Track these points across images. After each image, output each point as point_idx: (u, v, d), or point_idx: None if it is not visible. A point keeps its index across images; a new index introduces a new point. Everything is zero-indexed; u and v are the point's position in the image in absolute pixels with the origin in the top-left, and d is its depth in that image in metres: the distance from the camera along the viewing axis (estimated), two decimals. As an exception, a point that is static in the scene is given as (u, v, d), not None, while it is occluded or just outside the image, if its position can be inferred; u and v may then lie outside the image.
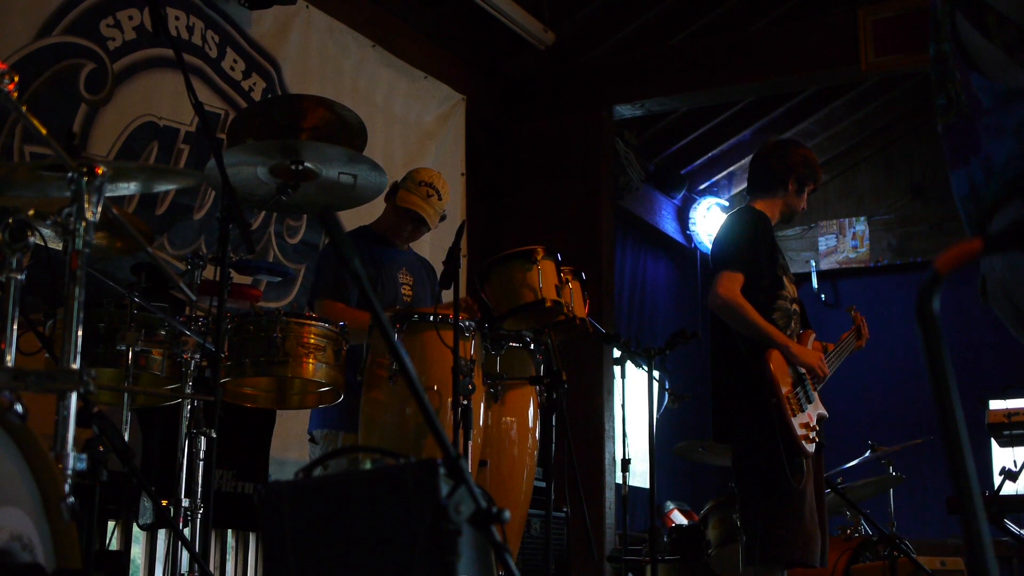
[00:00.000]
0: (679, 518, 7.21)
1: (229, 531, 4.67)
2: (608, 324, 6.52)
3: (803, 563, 3.59)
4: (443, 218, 4.06)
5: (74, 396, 1.88)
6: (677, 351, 4.48)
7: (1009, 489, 4.33)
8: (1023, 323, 1.62)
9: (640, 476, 6.84)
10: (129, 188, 2.64)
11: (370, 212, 4.08)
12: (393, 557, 1.56)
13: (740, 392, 3.70)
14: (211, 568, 3.47)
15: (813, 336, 3.93)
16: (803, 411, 3.67)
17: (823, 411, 3.81)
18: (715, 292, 3.73)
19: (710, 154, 8.83)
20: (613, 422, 6.61)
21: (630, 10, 6.84)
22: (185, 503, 3.06)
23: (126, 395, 3.14)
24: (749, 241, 3.79)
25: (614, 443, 6.58)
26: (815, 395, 3.79)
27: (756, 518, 3.60)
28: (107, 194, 2.00)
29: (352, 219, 4.44)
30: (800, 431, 3.60)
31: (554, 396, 3.59)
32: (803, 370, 3.75)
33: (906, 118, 8.88)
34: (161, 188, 3.70)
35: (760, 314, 3.71)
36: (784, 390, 3.62)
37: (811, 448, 3.62)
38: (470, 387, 3.32)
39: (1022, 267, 1.55)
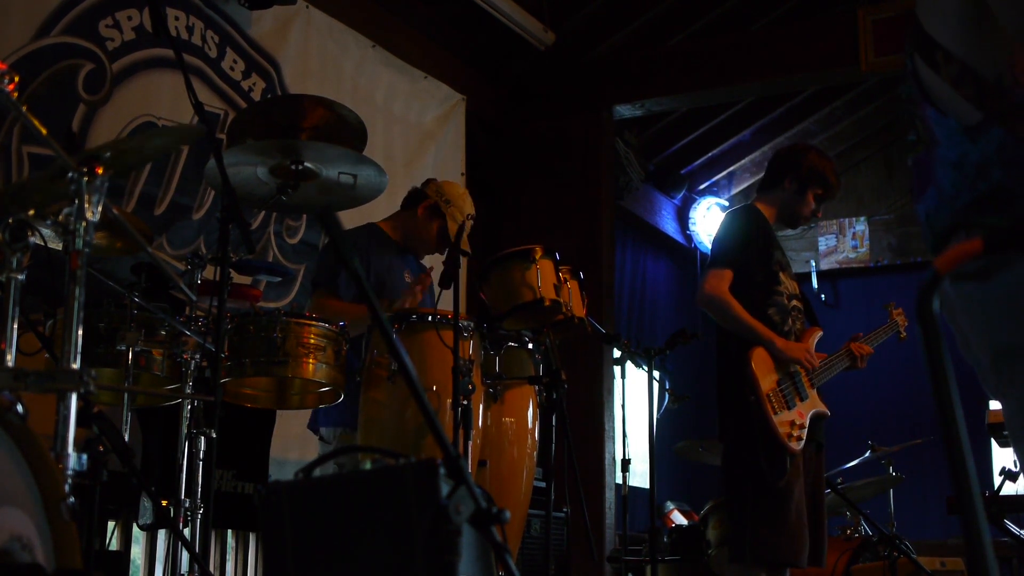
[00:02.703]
0: (679, 518, 7.22)
1: (229, 531, 4.67)
2: (608, 324, 6.51)
3: (789, 563, 3.59)
4: None
5: (74, 396, 1.88)
6: (677, 351, 4.49)
7: (1009, 489, 4.33)
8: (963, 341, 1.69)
9: (640, 476, 6.85)
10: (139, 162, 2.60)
11: (369, 212, 4.08)
12: (393, 557, 1.56)
13: (729, 390, 3.72)
14: (211, 568, 3.47)
15: (819, 334, 3.91)
16: (789, 409, 3.66)
17: (821, 409, 3.79)
18: (702, 289, 3.76)
19: (710, 154, 8.83)
20: (613, 422, 6.61)
21: (630, 10, 6.83)
22: (185, 503, 3.06)
23: (126, 395, 3.14)
24: (740, 239, 3.80)
25: (614, 443, 6.57)
26: (811, 392, 3.78)
27: (743, 517, 3.61)
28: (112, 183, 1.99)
29: (352, 219, 4.44)
30: (782, 429, 3.59)
31: (554, 396, 3.59)
32: (795, 367, 3.74)
33: (906, 118, 8.87)
34: (164, 149, 3.56)
35: (754, 310, 3.71)
36: (766, 388, 3.61)
37: (796, 446, 3.61)
38: (470, 387, 3.32)
39: (966, 297, 1.62)
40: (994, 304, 1.59)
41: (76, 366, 1.91)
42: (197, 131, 3.22)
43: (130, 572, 3.60)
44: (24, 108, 1.98)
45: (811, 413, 3.74)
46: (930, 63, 1.64)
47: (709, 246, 6.86)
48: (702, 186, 9.14)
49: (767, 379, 3.64)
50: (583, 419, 6.20)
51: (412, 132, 6.14)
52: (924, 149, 1.74)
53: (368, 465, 1.64)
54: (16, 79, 1.95)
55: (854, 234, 9.15)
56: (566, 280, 3.62)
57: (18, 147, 3.94)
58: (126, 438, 2.96)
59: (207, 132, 2.91)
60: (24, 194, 2.24)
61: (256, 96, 5.06)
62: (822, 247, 9.23)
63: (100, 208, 1.97)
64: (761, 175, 4.19)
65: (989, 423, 4.51)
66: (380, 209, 4.12)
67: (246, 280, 4.18)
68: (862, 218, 9.14)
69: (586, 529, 3.67)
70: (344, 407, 3.63)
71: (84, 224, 1.94)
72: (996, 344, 1.61)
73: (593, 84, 6.94)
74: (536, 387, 3.69)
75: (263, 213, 4.94)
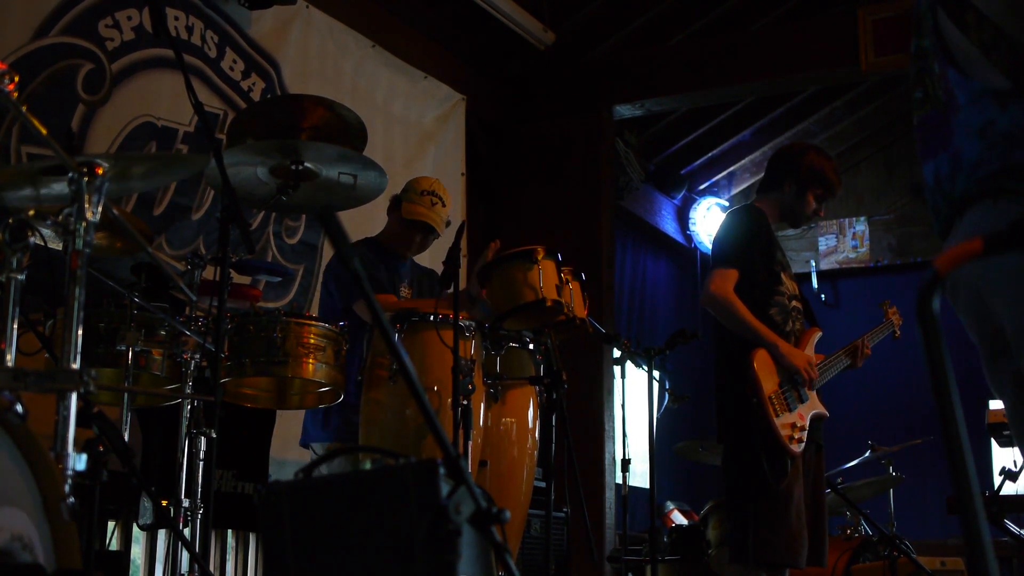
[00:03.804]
0: (679, 518, 7.21)
1: (229, 531, 4.67)
2: (608, 324, 6.51)
3: (789, 564, 3.59)
4: (448, 223, 4.08)
5: (74, 396, 1.88)
6: (677, 351, 4.48)
7: (1009, 489, 4.32)
8: (988, 327, 1.64)
9: (640, 476, 6.84)
10: (136, 183, 2.63)
11: (369, 212, 4.09)
12: (393, 557, 1.56)
13: (730, 392, 3.71)
14: (211, 568, 3.47)
15: (819, 335, 3.91)
16: (791, 411, 3.66)
17: (821, 411, 3.79)
18: (707, 289, 3.75)
19: (710, 154, 8.83)
20: (613, 422, 6.61)
21: (630, 10, 6.83)
22: (185, 503, 3.06)
23: (126, 395, 3.14)
24: (744, 238, 3.80)
25: (614, 443, 6.57)
26: (811, 394, 3.78)
27: (743, 518, 3.61)
28: (113, 194, 2.00)
29: (352, 219, 4.44)
30: (784, 431, 3.59)
31: (554, 396, 3.59)
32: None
33: (906, 118, 8.80)
34: (168, 177, 3.63)
35: (756, 310, 3.71)
36: (768, 390, 3.61)
37: (797, 449, 3.61)
38: (470, 387, 3.32)
39: (997, 272, 1.57)
40: None
41: (76, 366, 1.91)
42: (204, 161, 3.23)
43: (130, 572, 3.60)
44: (24, 108, 1.98)
45: (811, 415, 3.74)
46: (959, 23, 1.57)
47: (709, 246, 6.86)
48: (702, 186, 9.14)
49: (769, 381, 3.64)
50: (583, 419, 6.20)
51: (412, 132, 6.14)
52: (932, 109, 1.68)
53: (368, 465, 1.64)
54: (16, 79, 1.95)
55: (854, 234, 9.14)
56: (568, 281, 3.62)
57: (17, 147, 3.93)
58: (126, 438, 2.95)
59: (207, 132, 2.91)
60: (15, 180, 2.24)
61: (256, 96, 5.06)
62: (822, 247, 9.23)
63: (100, 208, 1.97)
64: (761, 175, 4.19)
65: (989, 423, 4.51)
66: (380, 209, 4.13)
67: (246, 280, 4.18)
68: (862, 218, 9.14)
69: (586, 529, 3.67)
70: (330, 419, 3.64)
71: (84, 224, 1.95)
72: None
73: (593, 84, 6.93)
74: (537, 387, 3.69)
75: (262, 213, 4.94)
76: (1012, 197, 1.53)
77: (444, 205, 4.01)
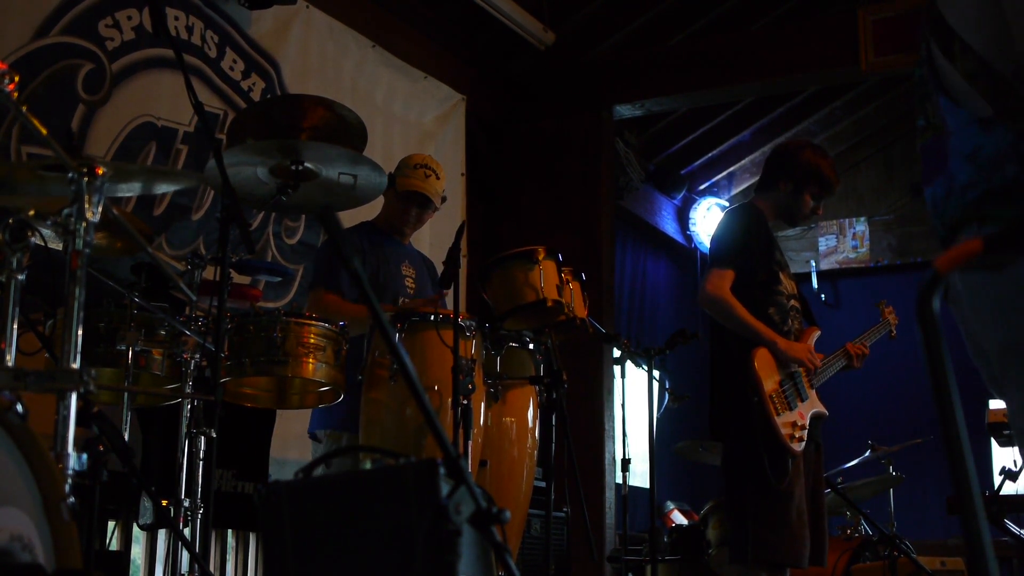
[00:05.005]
0: (679, 518, 7.22)
1: (229, 531, 4.67)
2: (608, 324, 6.51)
3: (790, 563, 3.59)
4: (445, 199, 4.08)
5: (74, 396, 1.88)
6: (677, 351, 4.48)
7: (1009, 489, 4.32)
8: (979, 348, 1.67)
9: (640, 476, 6.84)
10: (129, 189, 2.64)
11: (369, 212, 4.09)
12: (393, 557, 1.56)
13: (729, 391, 3.71)
14: (211, 568, 3.47)
15: (817, 334, 3.91)
16: (791, 410, 3.66)
17: (820, 409, 3.79)
18: (704, 289, 3.75)
19: (710, 154, 8.83)
20: (613, 422, 6.61)
21: (630, 10, 6.83)
22: (185, 503, 3.06)
23: (126, 395, 3.14)
24: (741, 238, 3.79)
25: (614, 443, 6.57)
26: (811, 393, 3.77)
27: (743, 518, 3.61)
28: (107, 196, 2.00)
29: (352, 219, 4.44)
30: (784, 430, 3.59)
31: (554, 396, 3.59)
32: (795, 367, 3.74)
33: (906, 118, 8.87)
34: (161, 189, 3.69)
35: (755, 310, 3.71)
36: (768, 388, 3.61)
37: (798, 447, 3.61)
38: (470, 387, 3.32)
39: (973, 292, 1.59)
40: (1005, 297, 1.56)
41: (76, 366, 1.91)
42: (197, 177, 3.26)
43: (130, 572, 3.60)
44: (24, 108, 1.98)
45: (811, 413, 3.74)
46: (946, 53, 1.60)
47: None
48: (702, 186, 9.14)
49: (769, 380, 3.64)
50: (583, 419, 6.20)
51: (412, 132, 6.13)
52: (933, 135, 1.71)
53: (368, 465, 1.64)
54: (16, 79, 1.95)
55: (854, 234, 9.15)
56: (568, 281, 3.62)
57: (17, 147, 3.93)
58: (126, 438, 2.96)
59: (207, 132, 2.91)
60: (13, 176, 2.24)
61: (256, 96, 5.06)
62: (822, 247, 9.23)
63: (100, 208, 1.97)
64: (761, 175, 4.18)
65: (989, 423, 4.51)
66: (379, 207, 4.13)
67: (246, 280, 4.18)
68: (862, 218, 9.14)
69: (586, 529, 3.67)
70: (335, 408, 3.63)
71: (84, 224, 1.95)
72: (1004, 338, 1.58)
73: (593, 84, 6.93)
74: (537, 387, 3.69)
75: (262, 213, 4.94)
76: (993, 223, 1.56)
77: (438, 178, 3.99)
